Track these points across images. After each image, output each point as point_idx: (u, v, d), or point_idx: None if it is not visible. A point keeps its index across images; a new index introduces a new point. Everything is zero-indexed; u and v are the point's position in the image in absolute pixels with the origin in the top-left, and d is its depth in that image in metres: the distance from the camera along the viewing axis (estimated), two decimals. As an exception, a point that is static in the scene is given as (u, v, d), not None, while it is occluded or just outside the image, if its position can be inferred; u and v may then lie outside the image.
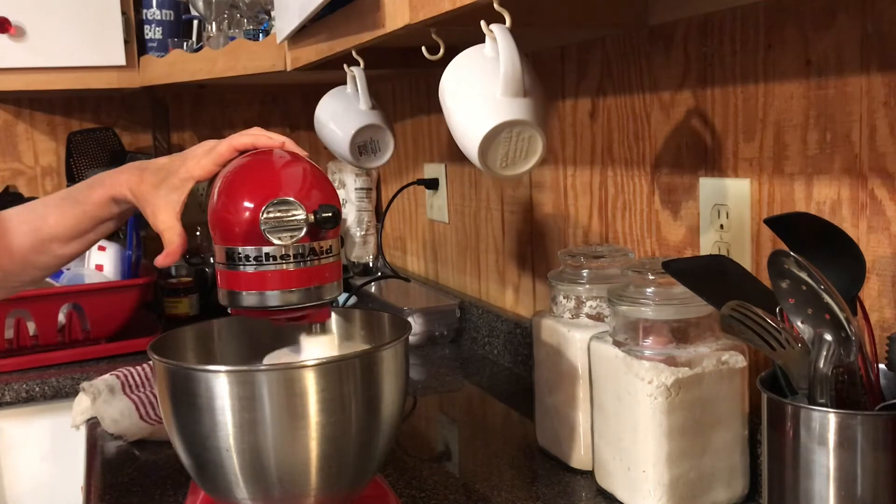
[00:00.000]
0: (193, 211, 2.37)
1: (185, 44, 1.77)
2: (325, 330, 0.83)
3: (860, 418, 0.64)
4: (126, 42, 1.79)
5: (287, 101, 2.23)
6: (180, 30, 1.85)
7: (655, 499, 0.83)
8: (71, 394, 1.40)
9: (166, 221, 0.84)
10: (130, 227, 1.69)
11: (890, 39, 0.75)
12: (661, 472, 0.82)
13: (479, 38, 0.83)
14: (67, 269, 1.65)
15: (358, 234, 2.02)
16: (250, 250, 0.74)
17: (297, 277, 0.76)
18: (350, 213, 2.03)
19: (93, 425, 1.20)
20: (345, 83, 1.28)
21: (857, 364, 0.67)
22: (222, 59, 1.56)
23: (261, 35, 1.53)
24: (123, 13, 1.79)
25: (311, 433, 0.74)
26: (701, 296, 0.75)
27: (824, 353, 0.66)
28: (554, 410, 1.00)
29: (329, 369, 0.75)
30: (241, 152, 0.82)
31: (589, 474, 0.95)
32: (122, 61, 1.79)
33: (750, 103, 0.90)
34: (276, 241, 0.72)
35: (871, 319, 0.74)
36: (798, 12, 0.83)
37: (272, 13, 1.43)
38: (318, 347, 0.82)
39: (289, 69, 1.38)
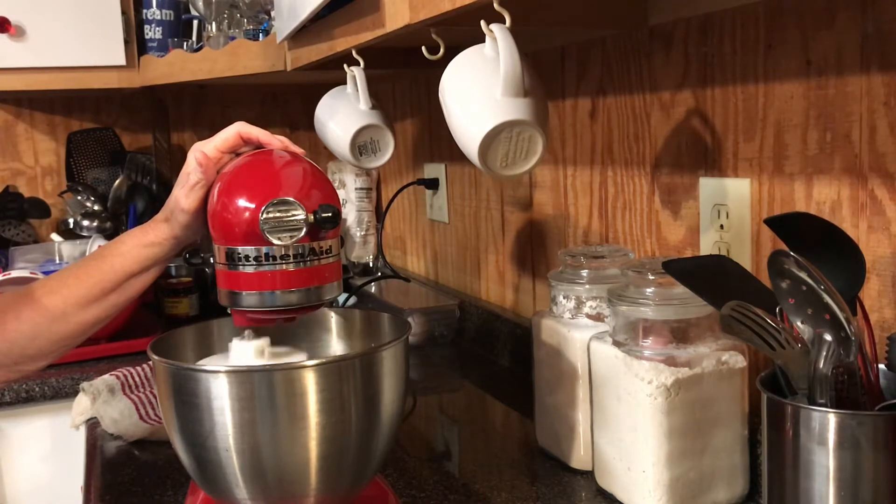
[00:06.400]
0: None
1: (185, 44, 1.77)
2: (257, 335, 0.82)
3: (860, 418, 0.64)
4: (126, 42, 1.80)
5: (287, 101, 2.23)
6: (180, 30, 1.85)
7: (655, 499, 0.83)
8: (71, 394, 1.40)
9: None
10: (131, 226, 1.69)
11: (890, 39, 0.75)
12: (660, 472, 0.82)
13: (480, 38, 0.83)
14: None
15: (358, 234, 2.02)
16: (250, 250, 0.74)
17: (297, 277, 0.75)
18: (350, 213, 2.03)
19: (92, 425, 1.20)
20: (345, 83, 1.28)
21: (857, 364, 0.67)
22: (222, 59, 1.56)
23: (261, 35, 1.53)
24: (123, 13, 1.79)
25: (310, 433, 0.74)
26: (701, 296, 0.75)
27: (824, 353, 0.66)
28: (554, 410, 1.00)
29: (329, 369, 0.75)
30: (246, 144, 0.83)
31: (589, 474, 0.95)
32: (121, 61, 1.80)
33: (750, 103, 0.90)
34: (275, 242, 0.72)
35: (871, 319, 0.74)
36: (798, 12, 0.83)
37: (272, 13, 1.43)
38: (247, 353, 0.81)
39: (289, 69, 1.38)
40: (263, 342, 0.81)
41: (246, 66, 1.50)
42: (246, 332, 0.81)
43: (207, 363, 0.84)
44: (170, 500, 0.96)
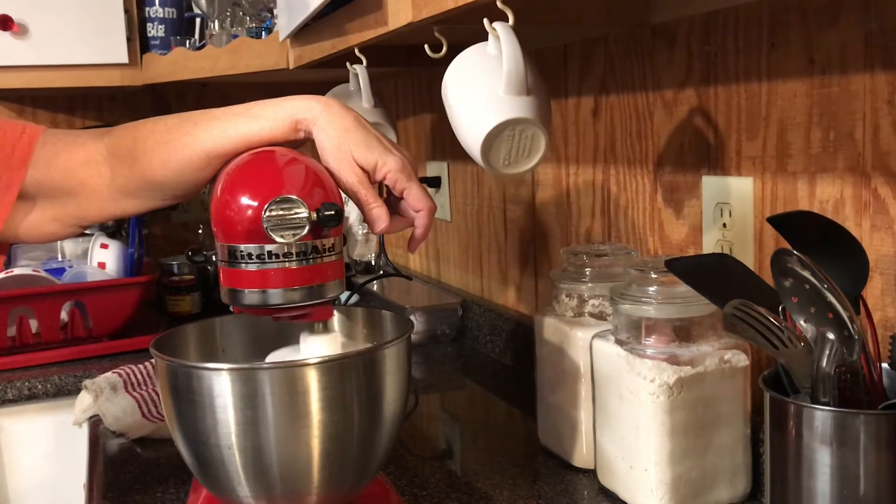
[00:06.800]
0: (197, 209, 2.39)
1: (187, 42, 1.77)
2: (327, 328, 0.83)
3: (863, 417, 0.64)
4: (129, 40, 1.79)
5: (289, 99, 2.22)
6: (183, 27, 1.85)
7: (657, 497, 0.83)
8: (73, 392, 1.40)
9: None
10: (133, 225, 1.69)
11: (894, 38, 0.75)
12: (663, 471, 0.82)
13: (483, 37, 0.83)
14: (70, 267, 1.65)
15: (360, 232, 2.02)
16: (252, 248, 0.74)
17: (300, 276, 0.75)
18: (352, 212, 2.02)
19: (95, 423, 1.21)
20: (348, 81, 1.28)
21: (860, 363, 0.67)
22: (225, 57, 1.56)
23: (263, 33, 1.53)
24: (126, 11, 1.79)
25: (313, 431, 0.74)
26: (704, 294, 0.75)
27: (827, 351, 0.66)
28: (556, 409, 0.99)
29: (331, 368, 0.75)
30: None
31: (591, 473, 0.94)
32: (124, 59, 1.79)
33: (753, 102, 0.90)
34: (278, 240, 0.72)
35: (875, 318, 0.74)
36: (801, 10, 0.83)
37: (275, 11, 1.43)
38: (319, 346, 0.82)
39: (291, 67, 1.38)
40: (335, 334, 0.82)
41: (248, 64, 1.50)
42: (317, 325, 0.81)
43: (275, 357, 0.84)
44: (172, 498, 0.96)
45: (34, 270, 1.57)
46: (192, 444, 0.77)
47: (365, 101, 1.21)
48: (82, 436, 1.23)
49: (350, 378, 0.76)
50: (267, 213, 0.72)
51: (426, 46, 0.96)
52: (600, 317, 0.96)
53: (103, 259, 1.68)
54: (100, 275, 1.64)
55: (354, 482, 0.81)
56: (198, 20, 1.82)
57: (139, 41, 1.82)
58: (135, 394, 1.20)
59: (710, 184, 0.97)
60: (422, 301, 1.61)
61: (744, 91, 0.91)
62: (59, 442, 1.49)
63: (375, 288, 1.79)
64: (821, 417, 0.65)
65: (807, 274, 0.65)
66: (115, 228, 1.89)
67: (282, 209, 0.72)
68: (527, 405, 1.15)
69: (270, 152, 0.78)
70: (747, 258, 0.92)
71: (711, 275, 0.75)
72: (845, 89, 0.79)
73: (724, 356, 0.83)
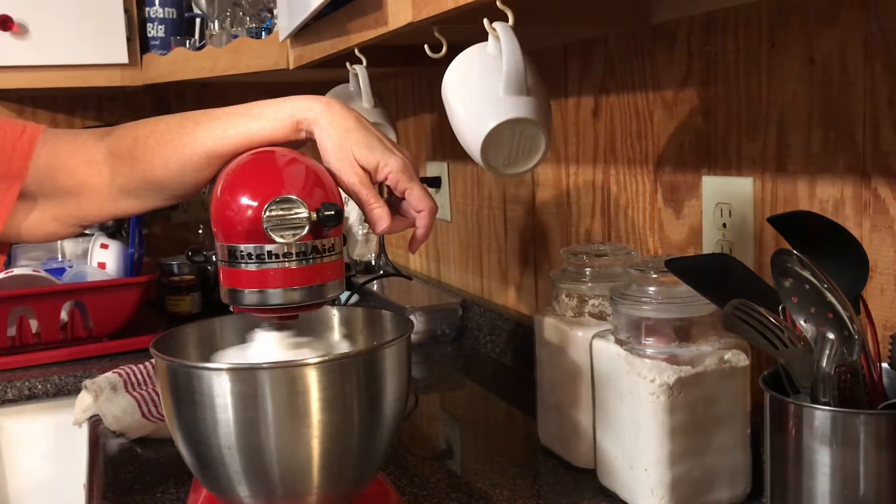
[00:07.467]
0: (197, 209, 2.38)
1: (187, 42, 1.77)
2: (282, 327, 0.82)
3: (863, 417, 0.64)
4: (129, 40, 1.80)
5: (289, 99, 2.22)
6: (183, 28, 1.85)
7: (657, 498, 0.83)
8: (73, 391, 1.40)
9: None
10: (133, 225, 1.69)
11: (894, 37, 0.75)
12: (663, 471, 0.82)
13: (482, 37, 0.83)
14: (70, 267, 1.65)
15: (360, 232, 2.02)
16: (252, 248, 0.74)
17: (299, 276, 0.75)
18: (352, 212, 2.02)
19: (95, 423, 1.21)
20: (347, 81, 1.28)
21: (860, 363, 0.67)
22: (225, 57, 1.56)
23: (263, 33, 1.53)
24: (126, 11, 1.79)
25: (313, 431, 0.74)
26: (704, 294, 0.75)
27: (827, 351, 0.66)
28: (556, 409, 0.99)
29: (331, 367, 0.75)
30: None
31: (591, 473, 0.94)
32: (124, 59, 1.80)
33: (753, 102, 0.90)
34: (278, 240, 0.72)
35: (874, 318, 0.74)
36: (801, 10, 0.83)
37: (275, 11, 1.43)
38: (270, 345, 0.81)
39: (291, 67, 1.38)
40: (286, 333, 0.81)
41: (248, 64, 1.50)
42: (266, 323, 0.81)
43: (221, 357, 0.84)
44: (172, 498, 0.96)
45: (34, 270, 1.57)
46: (192, 444, 0.77)
47: (365, 101, 1.21)
48: (82, 436, 1.23)
49: (350, 378, 0.76)
50: (267, 213, 0.72)
51: (426, 46, 0.96)
52: (600, 317, 0.95)
53: (103, 259, 1.68)
54: (100, 275, 1.64)
55: (354, 482, 0.81)
56: (198, 20, 1.82)
57: (139, 41, 1.82)
58: (135, 394, 1.20)
59: (710, 184, 0.97)
60: (422, 301, 1.61)
61: (744, 91, 0.91)
62: (59, 442, 1.49)
63: (375, 288, 1.79)
64: (821, 417, 0.65)
65: (807, 274, 0.65)
66: (115, 228, 1.89)
67: (282, 209, 0.72)
68: (527, 405, 1.15)
69: (270, 152, 0.78)
70: (747, 258, 0.92)
71: (711, 275, 0.75)
72: (845, 89, 0.79)
73: (724, 356, 0.83)
